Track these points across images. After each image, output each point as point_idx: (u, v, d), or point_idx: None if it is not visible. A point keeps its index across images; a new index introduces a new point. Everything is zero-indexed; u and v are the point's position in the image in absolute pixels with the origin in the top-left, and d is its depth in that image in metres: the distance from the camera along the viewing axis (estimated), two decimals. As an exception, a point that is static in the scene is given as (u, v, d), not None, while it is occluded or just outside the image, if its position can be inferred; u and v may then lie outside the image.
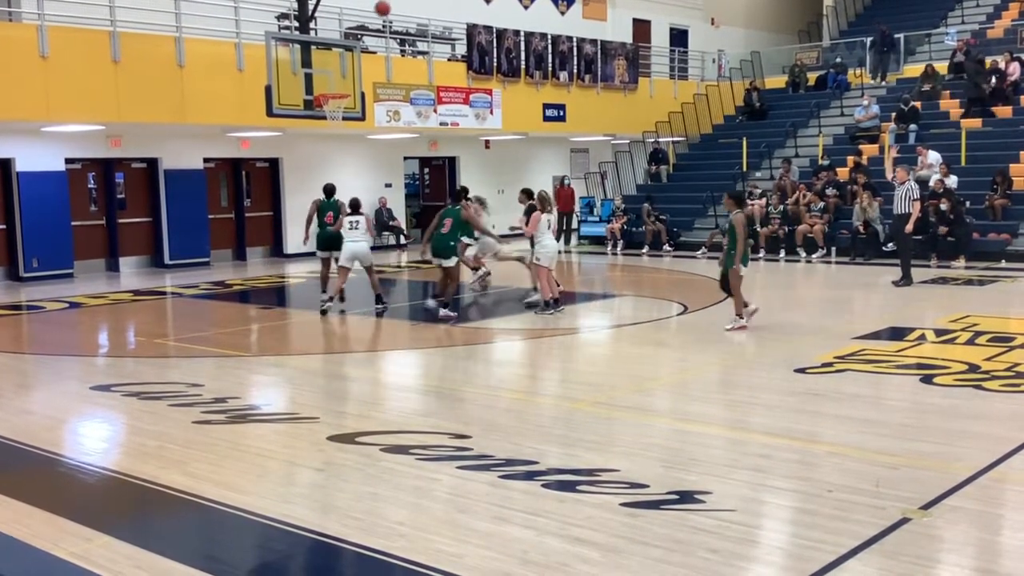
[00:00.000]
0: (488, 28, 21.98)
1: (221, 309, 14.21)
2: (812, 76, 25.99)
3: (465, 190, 13.57)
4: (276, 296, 16.00)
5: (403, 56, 21.31)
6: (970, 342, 9.84)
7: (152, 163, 19.23)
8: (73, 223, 17.96)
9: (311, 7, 16.24)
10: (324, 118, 15.33)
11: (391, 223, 22.88)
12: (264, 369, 9.84)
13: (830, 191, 19.58)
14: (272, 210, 21.30)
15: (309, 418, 7.39)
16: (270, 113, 14.76)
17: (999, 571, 4.54)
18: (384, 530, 5.02)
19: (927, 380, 8.20)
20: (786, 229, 19.10)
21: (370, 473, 6.01)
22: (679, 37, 30.08)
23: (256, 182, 21.23)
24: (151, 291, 16.03)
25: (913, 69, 24.04)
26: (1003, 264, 16.43)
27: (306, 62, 15.05)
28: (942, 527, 4.99)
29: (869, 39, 25.31)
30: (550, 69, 23.24)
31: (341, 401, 8.34)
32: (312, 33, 16.67)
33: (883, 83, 23.21)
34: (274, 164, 21.23)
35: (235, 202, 21.03)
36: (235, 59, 17.35)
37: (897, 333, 10.47)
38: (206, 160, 19.99)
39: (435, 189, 25.41)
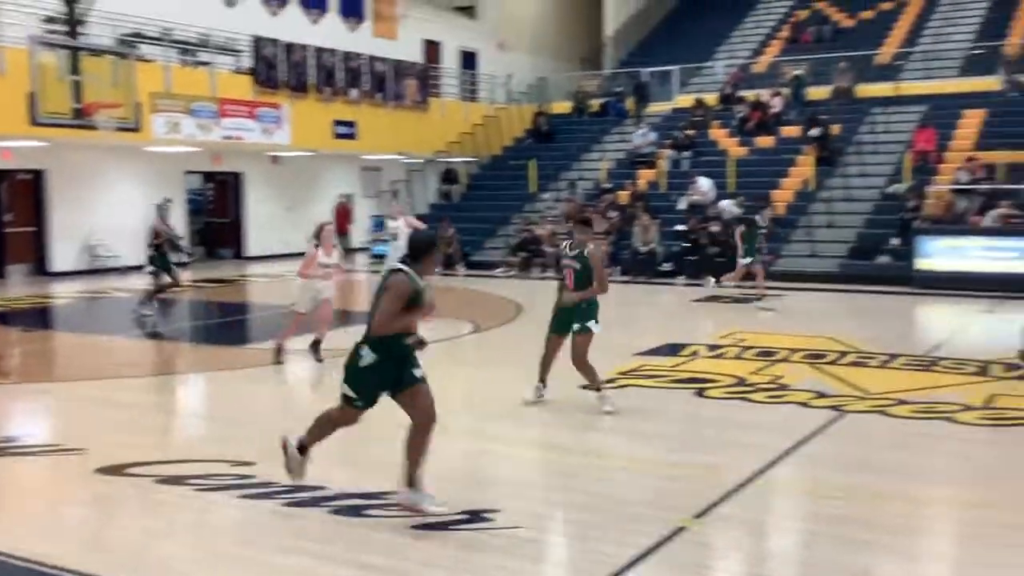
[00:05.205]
0: (274, 41, 21.44)
1: (-24, 332, 12.98)
2: (595, 103, 27.05)
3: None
4: (40, 318, 14.82)
5: (183, 66, 20.40)
6: (738, 356, 10.47)
7: None
8: None
9: (80, 11, 15.26)
10: (95, 128, 14.42)
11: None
12: (26, 397, 9.06)
13: (612, 213, 20.39)
14: (36, 225, 19.75)
15: (75, 449, 6.85)
16: (34, 122, 13.73)
17: (766, 575, 4.81)
18: (156, 566, 4.71)
19: (700, 393, 8.65)
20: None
21: (143, 506, 5.64)
22: (469, 60, 30.53)
23: (17, 195, 19.63)
24: None
25: (687, 99, 25.51)
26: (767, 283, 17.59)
27: (75, 68, 14.14)
28: (712, 534, 5.25)
29: (645, 71, 26.57)
30: (340, 85, 22.94)
31: (111, 430, 7.78)
32: (82, 39, 15.66)
33: (640, 123, 24.25)
34: (38, 176, 19.71)
35: (-7, 216, 19.37)
36: (-6, 62, 16.01)
37: (674, 349, 10.97)
38: (-40, 171, 18.31)
39: (219, 205, 24.44)
